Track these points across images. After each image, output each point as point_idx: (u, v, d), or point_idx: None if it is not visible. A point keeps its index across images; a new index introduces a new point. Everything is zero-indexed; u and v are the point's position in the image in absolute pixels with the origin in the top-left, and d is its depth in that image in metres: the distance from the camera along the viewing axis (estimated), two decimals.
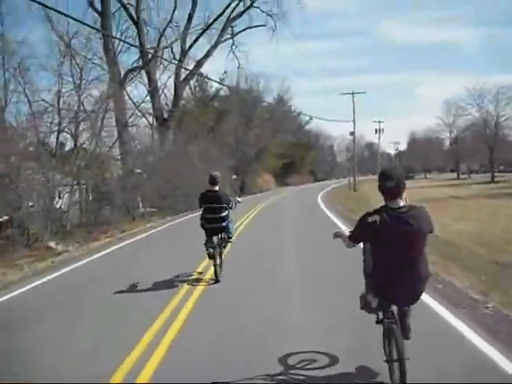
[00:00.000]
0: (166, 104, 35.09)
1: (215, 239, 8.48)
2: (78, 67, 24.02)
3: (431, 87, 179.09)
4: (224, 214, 8.47)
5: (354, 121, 50.74)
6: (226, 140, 44.90)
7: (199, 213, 8.90)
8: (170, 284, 8.40)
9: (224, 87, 52.25)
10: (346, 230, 4.49)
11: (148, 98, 31.56)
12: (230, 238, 8.99)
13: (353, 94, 50.24)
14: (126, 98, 30.41)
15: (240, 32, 35.74)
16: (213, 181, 8.48)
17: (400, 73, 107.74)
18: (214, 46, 34.18)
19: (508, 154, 61.05)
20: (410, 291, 3.94)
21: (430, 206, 4.68)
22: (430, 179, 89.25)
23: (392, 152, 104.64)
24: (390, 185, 3.76)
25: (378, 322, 4.25)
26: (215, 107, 49.15)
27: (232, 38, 35.57)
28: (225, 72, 50.04)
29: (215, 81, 39.27)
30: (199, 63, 33.85)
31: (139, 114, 30.11)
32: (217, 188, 8.48)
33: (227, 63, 70.20)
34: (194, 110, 42.66)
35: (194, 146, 34.32)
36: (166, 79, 34.42)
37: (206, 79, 48.02)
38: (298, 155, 67.92)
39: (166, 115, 33.65)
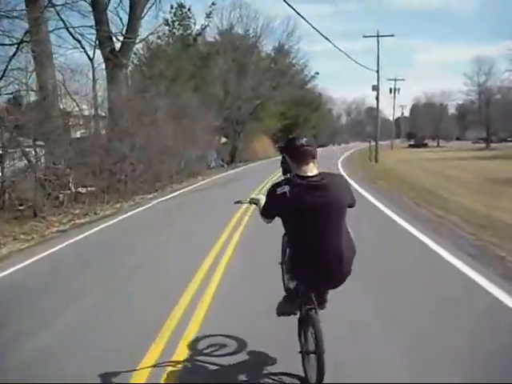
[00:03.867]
0: (121, 33, 23.65)
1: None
2: None
3: (428, 53, 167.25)
4: None
5: (377, 71, 39.44)
6: (211, 91, 33.58)
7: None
8: None
9: (211, 28, 40.83)
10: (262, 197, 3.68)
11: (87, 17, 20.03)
12: None
13: (378, 36, 38.79)
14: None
15: None
16: None
17: (397, 38, 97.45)
18: None
19: None
20: (330, 273, 3.29)
21: None
22: (444, 148, 77.87)
23: (392, 119, 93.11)
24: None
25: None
26: (199, 50, 37.72)
27: None
28: (212, 3, 38.55)
29: None
30: None
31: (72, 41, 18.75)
32: None
33: None
34: (166, 47, 31.13)
35: (161, 95, 23.31)
36: None
37: (187, 13, 37.13)
38: (301, 116, 56.27)
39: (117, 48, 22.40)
